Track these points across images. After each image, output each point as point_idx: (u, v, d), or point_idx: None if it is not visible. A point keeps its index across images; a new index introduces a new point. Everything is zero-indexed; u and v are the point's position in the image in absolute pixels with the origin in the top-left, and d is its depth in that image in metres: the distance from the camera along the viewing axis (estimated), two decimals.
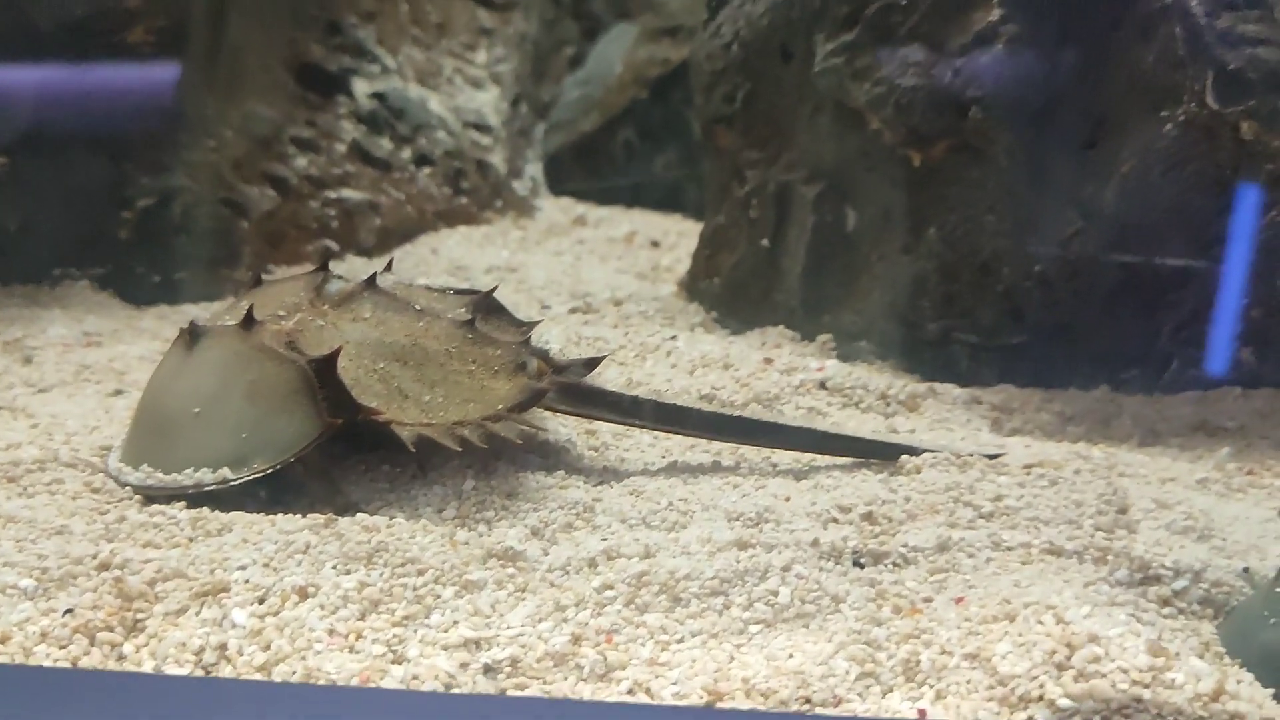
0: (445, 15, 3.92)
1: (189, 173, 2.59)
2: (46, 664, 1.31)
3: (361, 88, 3.24)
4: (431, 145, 3.31)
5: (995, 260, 2.02)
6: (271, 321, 1.65)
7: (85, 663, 1.31)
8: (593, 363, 1.83)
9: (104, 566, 1.40)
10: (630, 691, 1.24)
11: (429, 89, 3.56)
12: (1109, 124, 1.94)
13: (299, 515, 1.49)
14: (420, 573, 1.36)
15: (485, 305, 1.83)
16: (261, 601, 1.33)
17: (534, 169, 3.86)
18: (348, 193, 2.93)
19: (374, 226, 2.95)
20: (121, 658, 1.31)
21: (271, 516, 1.49)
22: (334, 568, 1.37)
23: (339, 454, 1.66)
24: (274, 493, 1.59)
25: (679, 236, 3.37)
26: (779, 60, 2.34)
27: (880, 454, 1.72)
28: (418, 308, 1.75)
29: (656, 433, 1.81)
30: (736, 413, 1.81)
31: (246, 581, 1.35)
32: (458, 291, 1.88)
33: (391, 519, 1.47)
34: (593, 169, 3.77)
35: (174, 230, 2.55)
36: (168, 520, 1.51)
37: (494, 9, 4.11)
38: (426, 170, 3.24)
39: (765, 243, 2.35)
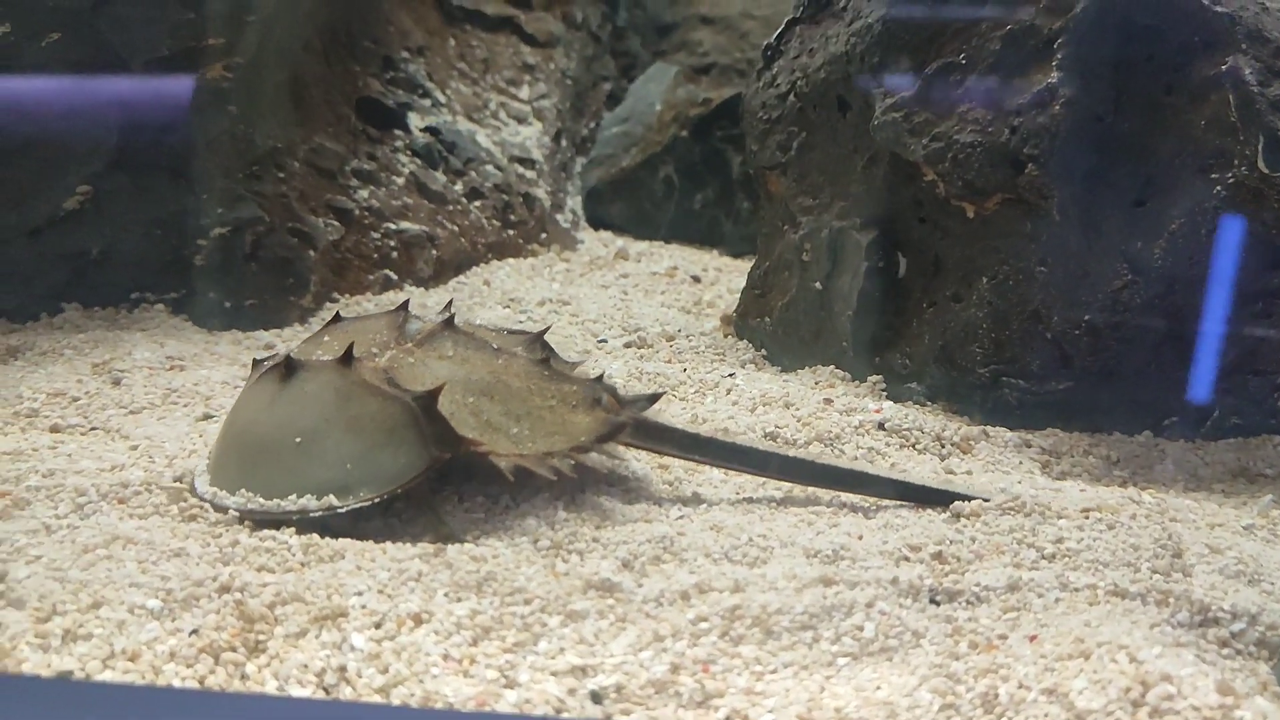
0: (490, 51, 4.04)
1: (260, 203, 2.69)
2: (175, 683, 1.39)
3: (415, 122, 3.34)
4: (481, 179, 3.41)
5: (1045, 309, 2.11)
6: (366, 358, 1.76)
7: (211, 682, 1.39)
8: (654, 398, 1.93)
9: (224, 589, 1.49)
10: (728, 718, 1.33)
11: (476, 123, 3.67)
12: (1159, 183, 2.04)
13: (409, 544, 1.58)
14: (527, 602, 1.45)
15: (537, 343, 1.93)
16: (378, 626, 1.42)
17: (574, 202, 3.97)
18: (406, 224, 3.03)
19: (431, 258, 3.05)
20: (245, 677, 1.39)
21: (382, 545, 1.58)
22: (446, 595, 1.46)
23: (435, 486, 1.75)
24: (378, 522, 1.68)
25: (717, 272, 3.47)
26: (835, 111, 2.44)
27: (917, 498, 1.81)
28: (495, 346, 1.86)
29: (724, 469, 1.90)
30: (795, 452, 1.90)
31: (363, 607, 1.44)
32: (511, 332, 1.99)
33: (496, 552, 1.56)
34: (632, 204, 3.87)
35: (245, 258, 2.65)
36: (279, 545, 1.60)
37: (536, 45, 4.22)
38: (477, 203, 3.35)
39: (817, 285, 2.45)
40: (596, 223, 3.90)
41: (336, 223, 2.88)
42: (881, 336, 2.36)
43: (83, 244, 2.56)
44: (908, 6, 2.26)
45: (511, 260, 3.34)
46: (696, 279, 3.34)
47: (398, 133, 3.25)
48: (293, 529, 1.64)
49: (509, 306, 2.94)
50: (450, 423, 1.65)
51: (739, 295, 3.20)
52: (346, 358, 1.73)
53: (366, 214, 2.96)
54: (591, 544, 1.62)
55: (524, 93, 4.01)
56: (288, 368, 1.76)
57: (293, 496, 1.66)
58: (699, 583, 1.50)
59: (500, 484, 1.76)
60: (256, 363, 1.87)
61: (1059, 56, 2.04)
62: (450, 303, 2.18)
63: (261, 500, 1.68)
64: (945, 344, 2.23)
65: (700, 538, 1.65)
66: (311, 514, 1.64)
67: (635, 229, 3.85)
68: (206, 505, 1.73)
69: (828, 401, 2.15)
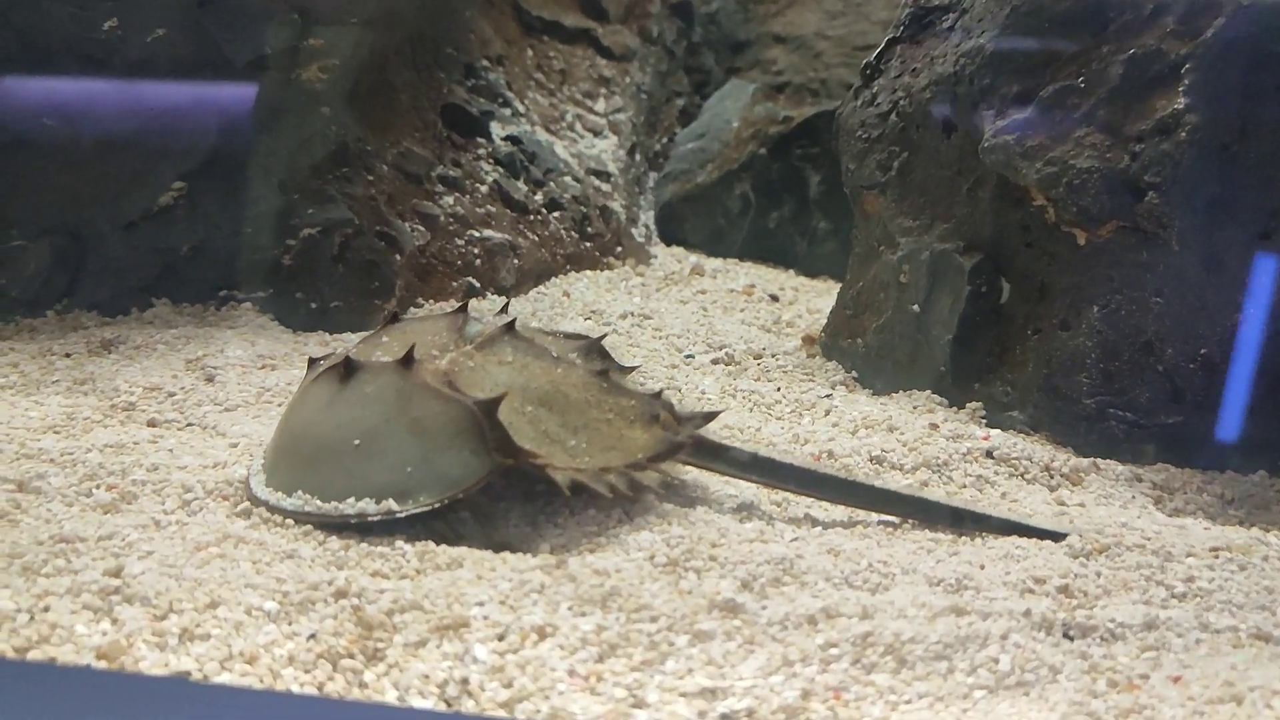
0: (567, 63, 4.03)
1: (350, 205, 2.68)
2: (294, 688, 1.37)
3: (497, 130, 3.33)
4: (560, 190, 3.40)
5: (1159, 341, 2.06)
6: (426, 360, 1.71)
7: (330, 689, 1.36)
8: (710, 416, 1.89)
9: (341, 594, 1.46)
10: None
11: (553, 135, 3.65)
12: None
13: (528, 555, 1.55)
14: (653, 619, 1.41)
15: (595, 350, 1.90)
16: (501, 639, 1.39)
17: (647, 217, 3.95)
18: (489, 232, 3.02)
19: (513, 267, 3.03)
20: (363, 685, 1.36)
21: (501, 555, 1.55)
22: (570, 609, 1.43)
23: (493, 493, 1.71)
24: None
25: (794, 291, 3.44)
26: (939, 132, 2.41)
27: (998, 529, 1.75)
28: (554, 354, 1.81)
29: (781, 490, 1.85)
30: (853, 476, 1.84)
31: (485, 618, 1.41)
32: (568, 336, 1.95)
33: (618, 566, 1.52)
34: (706, 220, 3.84)
35: (333, 260, 2.64)
36: (394, 551, 1.58)
37: (612, 59, 4.21)
38: (556, 214, 3.33)
39: (915, 308, 2.41)
40: (669, 238, 3.87)
41: (422, 228, 2.86)
42: (982, 363, 2.31)
43: (175, 240, 2.55)
44: (1022, 29, 2.23)
45: (589, 273, 3.32)
46: (774, 298, 3.30)
47: (480, 141, 3.24)
48: (404, 537, 1.61)
49: (590, 318, 2.92)
50: (509, 432, 1.61)
51: (819, 315, 3.17)
52: (407, 359, 1.69)
53: (451, 220, 2.95)
54: (709, 562, 1.58)
55: (600, 105, 4.00)
56: (347, 368, 1.72)
57: (351, 499, 1.63)
58: (825, 608, 1.46)
59: (614, 500, 1.73)
60: (312, 362, 1.82)
61: (1186, 82, 2.00)
62: (506, 305, 2.15)
63: (319, 503, 1.64)
64: (1050, 373, 2.19)
65: (818, 561, 1.61)
66: (370, 518, 1.60)
67: (708, 246, 3.81)
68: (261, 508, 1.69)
69: (933, 427, 2.11)
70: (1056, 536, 1.73)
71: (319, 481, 1.66)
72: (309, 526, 1.64)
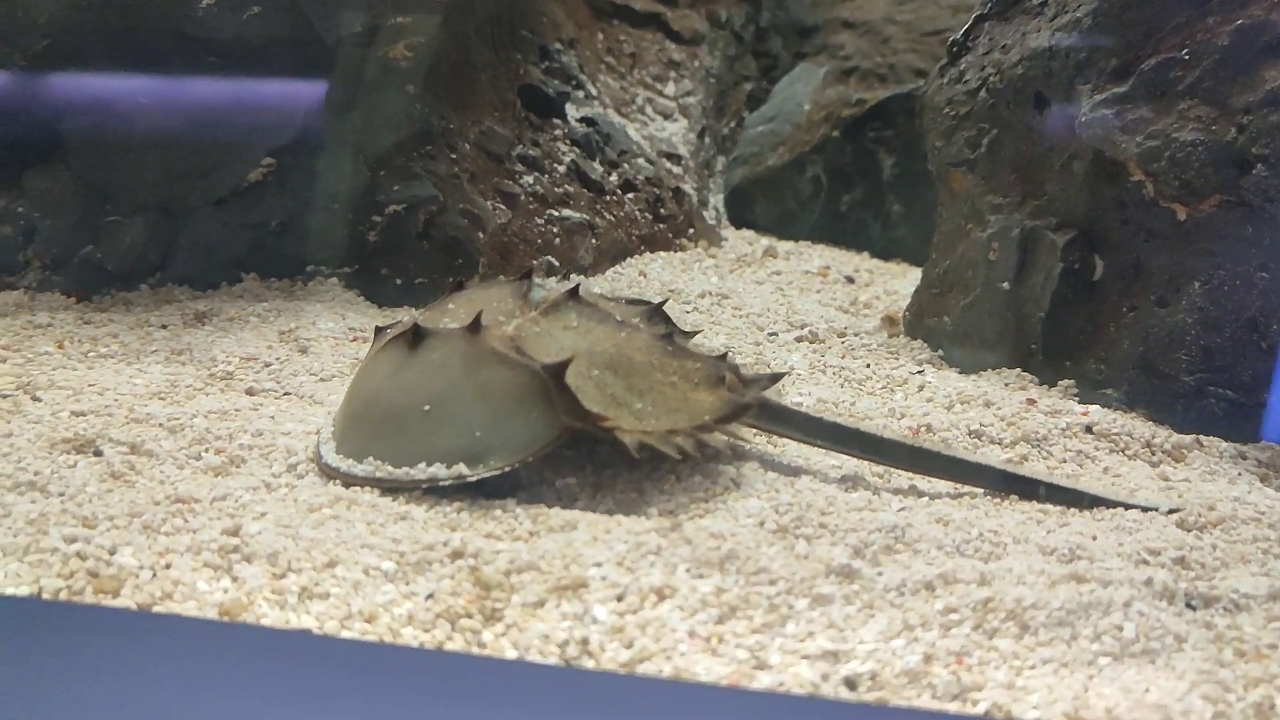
0: (637, 47, 4.03)
1: (435, 182, 2.69)
2: (413, 645, 1.38)
3: (571, 112, 3.34)
4: (634, 171, 3.39)
5: (1264, 317, 2.03)
6: (493, 326, 1.72)
7: (449, 648, 1.38)
8: (776, 378, 1.89)
9: (457, 555, 1.47)
10: (987, 713, 1.28)
11: (625, 118, 3.65)
12: None
13: (641, 517, 1.55)
14: (772, 582, 1.41)
15: (658, 314, 1.90)
16: (620, 599, 1.39)
17: (716, 200, 3.94)
18: (568, 212, 3.02)
19: (590, 246, 3.03)
20: (482, 645, 1.37)
21: (615, 518, 1.55)
22: (687, 571, 1.43)
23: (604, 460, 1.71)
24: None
25: (869, 273, 3.42)
26: (1031, 108, 2.38)
27: (1068, 501, 1.73)
28: (618, 319, 1.81)
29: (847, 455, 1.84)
30: (921, 443, 1.82)
31: (603, 579, 1.42)
32: (630, 301, 1.96)
33: (733, 530, 1.52)
34: (777, 203, 3.83)
35: (418, 237, 2.65)
36: (505, 513, 1.58)
37: (682, 43, 4.20)
38: (630, 195, 3.33)
39: (1005, 286, 2.39)
40: (739, 221, 3.86)
41: (503, 206, 2.87)
42: (1074, 340, 2.28)
43: (264, 216, 2.58)
44: (1121, 2, 2.19)
45: (662, 254, 3.32)
46: (850, 279, 3.29)
47: (556, 121, 3.25)
48: (516, 501, 1.62)
49: (670, 297, 2.91)
50: (577, 395, 1.62)
51: (896, 296, 3.15)
52: (475, 325, 1.70)
53: (531, 199, 2.96)
54: (819, 530, 1.58)
55: (669, 89, 4.00)
56: (415, 335, 1.73)
57: (422, 464, 1.64)
58: (943, 574, 1.45)
59: (721, 460, 1.73)
60: (379, 330, 1.84)
61: None
62: (567, 274, 2.12)
63: (390, 468, 1.65)
64: (1146, 350, 2.16)
65: (929, 529, 1.60)
66: (441, 482, 1.62)
67: (778, 228, 3.80)
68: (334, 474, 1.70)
69: (1030, 402, 2.08)
70: (1145, 510, 1.71)
71: (390, 447, 1.67)
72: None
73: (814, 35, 4.44)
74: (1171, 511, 1.71)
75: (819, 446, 1.84)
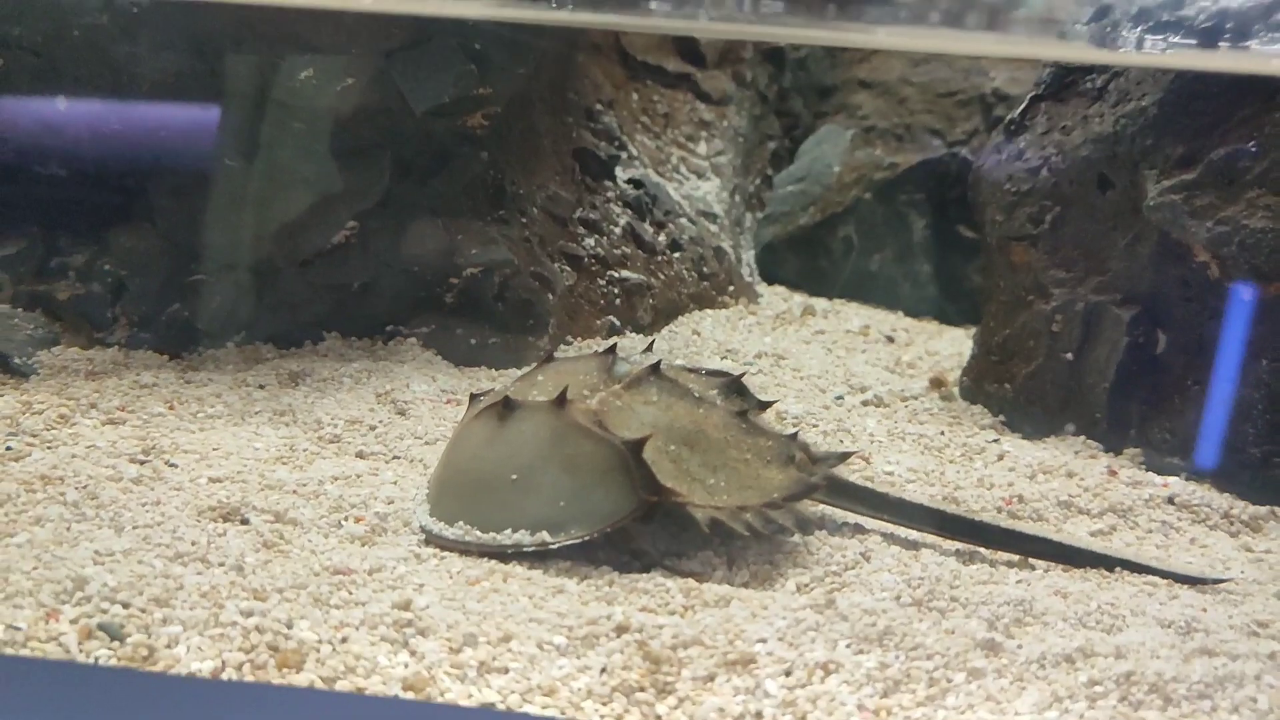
0: (670, 106, 4.14)
1: (510, 246, 2.77)
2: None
3: (619, 174, 3.43)
4: (679, 231, 3.49)
5: None
6: (578, 399, 1.82)
7: None
8: (844, 456, 1.99)
9: (622, 629, 1.54)
10: None
11: (662, 177, 3.75)
12: None
13: (795, 593, 1.63)
14: (929, 657, 1.49)
15: (735, 387, 2.00)
16: (788, 674, 1.47)
17: (748, 257, 4.04)
18: (627, 273, 3.11)
19: (649, 306, 3.12)
20: (659, 718, 1.44)
21: (770, 593, 1.63)
22: (848, 646, 1.51)
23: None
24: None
25: (906, 333, 3.53)
26: (1095, 189, 2.51)
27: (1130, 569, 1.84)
28: (696, 395, 1.91)
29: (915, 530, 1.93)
30: (989, 518, 1.93)
31: (770, 654, 1.49)
32: (709, 372, 2.05)
33: (884, 606, 1.60)
34: (808, 261, 3.94)
35: (493, 299, 2.73)
36: (657, 586, 1.65)
37: (711, 103, 4.32)
38: (677, 254, 3.42)
39: (1069, 356, 2.50)
40: (769, 278, 3.97)
41: (569, 268, 2.96)
42: (1138, 410, 2.40)
43: (347, 277, 2.64)
44: (1187, 92, 2.33)
45: (709, 311, 3.41)
46: (890, 339, 3.39)
47: (608, 184, 3.34)
48: (661, 570, 1.69)
49: (726, 357, 3.00)
50: (654, 470, 1.71)
51: (938, 357, 3.26)
52: (561, 399, 1.80)
53: (594, 261, 3.04)
54: (951, 603, 1.67)
55: (701, 148, 4.10)
56: (506, 407, 1.82)
57: (508, 531, 1.73)
58: (1080, 647, 1.54)
59: (844, 534, 1.82)
60: (473, 398, 1.93)
61: None
62: (652, 344, 2.20)
63: (478, 533, 1.74)
64: (1213, 422, 2.27)
65: (1051, 602, 1.69)
66: (525, 548, 1.71)
67: (809, 285, 3.91)
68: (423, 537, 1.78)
69: (1112, 473, 2.19)
70: (1218, 582, 1.83)
71: (479, 513, 1.76)
72: (569, 562, 1.72)
73: (833, 95, 4.58)
74: (1219, 581, 1.82)
75: (887, 521, 1.94)
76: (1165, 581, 1.81)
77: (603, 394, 1.84)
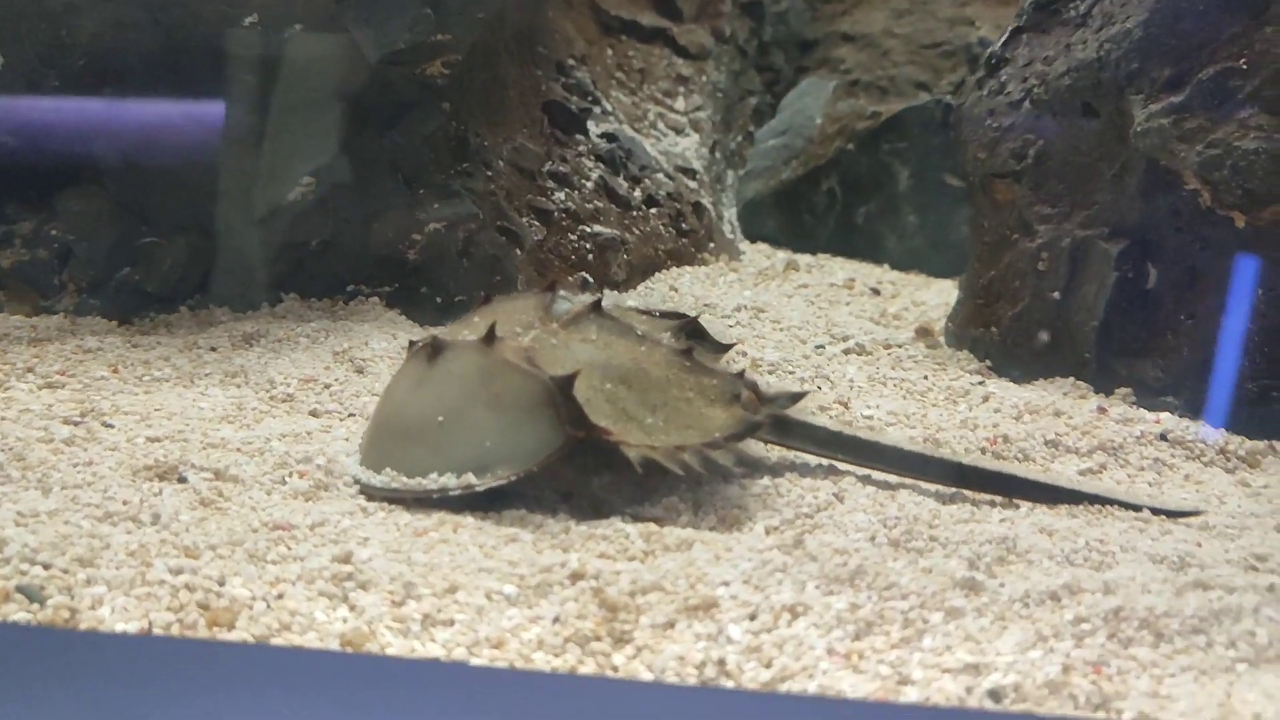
0: (646, 62, 4.02)
1: (474, 200, 2.67)
2: (545, 670, 1.35)
3: (593, 128, 3.32)
4: (656, 186, 3.39)
5: None
6: (510, 338, 1.74)
7: (582, 672, 1.35)
8: (797, 396, 1.90)
9: (577, 576, 1.44)
10: None
11: (639, 133, 3.65)
12: None
13: (763, 534, 1.54)
14: (903, 597, 1.40)
15: (690, 329, 1.91)
16: (753, 618, 1.37)
17: (730, 214, 3.94)
18: (599, 228, 3.01)
19: (623, 262, 3.02)
20: (614, 668, 1.34)
21: (735, 534, 1.54)
22: (817, 588, 1.41)
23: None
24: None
25: (892, 285, 3.43)
26: (1079, 119, 2.40)
27: (1074, 501, 1.76)
28: (639, 332, 1.83)
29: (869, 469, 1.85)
30: (944, 453, 1.85)
31: (734, 598, 1.40)
32: (663, 314, 1.96)
33: (856, 545, 1.51)
34: (791, 216, 3.84)
35: (458, 255, 2.63)
36: (616, 532, 1.56)
37: (689, 58, 4.21)
38: (654, 210, 3.32)
39: (1055, 295, 2.40)
40: (753, 235, 3.86)
41: (538, 223, 2.85)
42: (1129, 348, 2.30)
43: (304, 235, 2.54)
44: (1173, 12, 2.22)
45: (688, 268, 3.31)
46: (876, 291, 3.29)
47: (580, 137, 3.23)
48: (628, 519, 1.60)
49: (703, 312, 2.90)
50: (585, 408, 1.62)
51: (925, 308, 3.16)
52: (489, 337, 1.71)
53: (564, 216, 2.94)
54: (930, 543, 1.57)
55: (679, 104, 3.99)
56: (433, 349, 1.74)
57: (434, 475, 1.65)
58: (1067, 583, 1.45)
59: (817, 475, 1.72)
60: (411, 345, 1.85)
61: None
62: (603, 289, 2.10)
63: (405, 479, 1.66)
64: (1207, 357, 2.18)
65: (1035, 540, 1.60)
66: (451, 492, 1.62)
67: (793, 241, 3.81)
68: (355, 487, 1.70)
69: (1102, 410, 2.09)
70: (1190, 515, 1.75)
71: (406, 458, 1.68)
72: (522, 511, 1.63)
73: (815, 49, 4.47)
74: (1194, 514, 1.74)
75: (842, 461, 1.85)
76: (1158, 518, 1.72)
77: (537, 331, 1.77)
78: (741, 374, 1.87)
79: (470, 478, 1.62)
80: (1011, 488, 1.78)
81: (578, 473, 1.70)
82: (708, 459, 1.68)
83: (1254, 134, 2.08)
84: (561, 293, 1.86)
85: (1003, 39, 2.66)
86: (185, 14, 2.31)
